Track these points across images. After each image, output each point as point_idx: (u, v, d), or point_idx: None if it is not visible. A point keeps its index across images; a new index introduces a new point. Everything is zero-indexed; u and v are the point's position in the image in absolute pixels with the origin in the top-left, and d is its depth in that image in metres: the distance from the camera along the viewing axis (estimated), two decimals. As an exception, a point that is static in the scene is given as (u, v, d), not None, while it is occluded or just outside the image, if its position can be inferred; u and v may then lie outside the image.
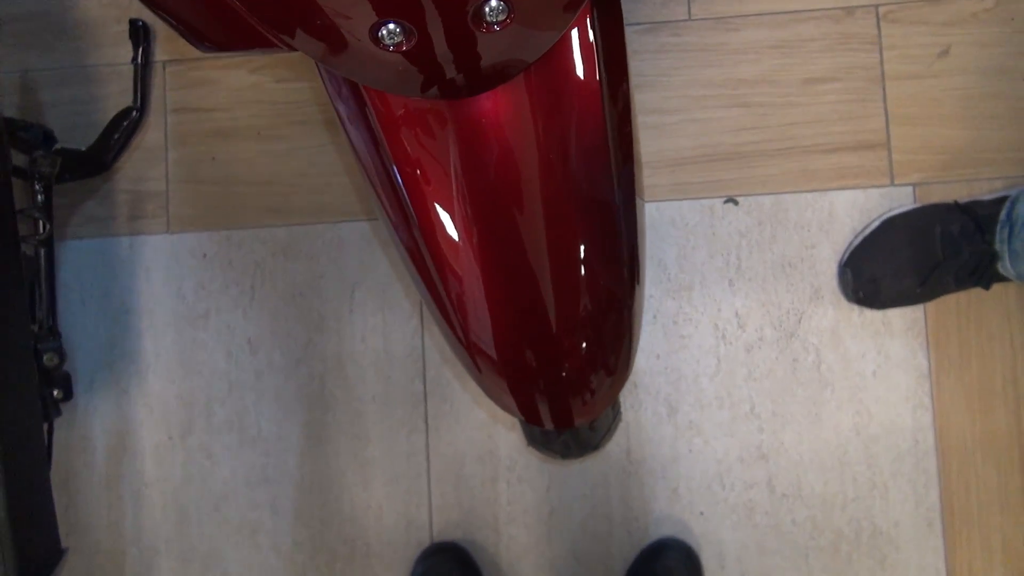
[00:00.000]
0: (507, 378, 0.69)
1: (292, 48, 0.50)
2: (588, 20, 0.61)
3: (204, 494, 1.10)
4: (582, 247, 0.64)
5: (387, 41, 0.46)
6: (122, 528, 1.10)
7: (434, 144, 0.62)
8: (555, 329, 0.66)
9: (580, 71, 0.61)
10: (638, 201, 0.68)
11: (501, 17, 0.45)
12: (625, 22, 1.09)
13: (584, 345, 0.67)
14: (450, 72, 0.52)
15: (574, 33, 0.61)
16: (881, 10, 1.08)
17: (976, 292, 1.03)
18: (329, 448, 1.09)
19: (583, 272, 0.64)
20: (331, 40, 0.49)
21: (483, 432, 1.08)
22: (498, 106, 0.60)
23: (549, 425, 0.70)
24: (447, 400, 1.08)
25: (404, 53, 0.47)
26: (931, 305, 1.04)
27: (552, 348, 0.67)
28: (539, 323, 0.66)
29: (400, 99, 0.61)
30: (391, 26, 0.44)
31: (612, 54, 0.64)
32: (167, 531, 1.10)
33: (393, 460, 1.08)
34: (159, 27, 1.14)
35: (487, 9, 0.44)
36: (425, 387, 1.09)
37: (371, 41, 0.46)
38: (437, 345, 1.09)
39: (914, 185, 1.06)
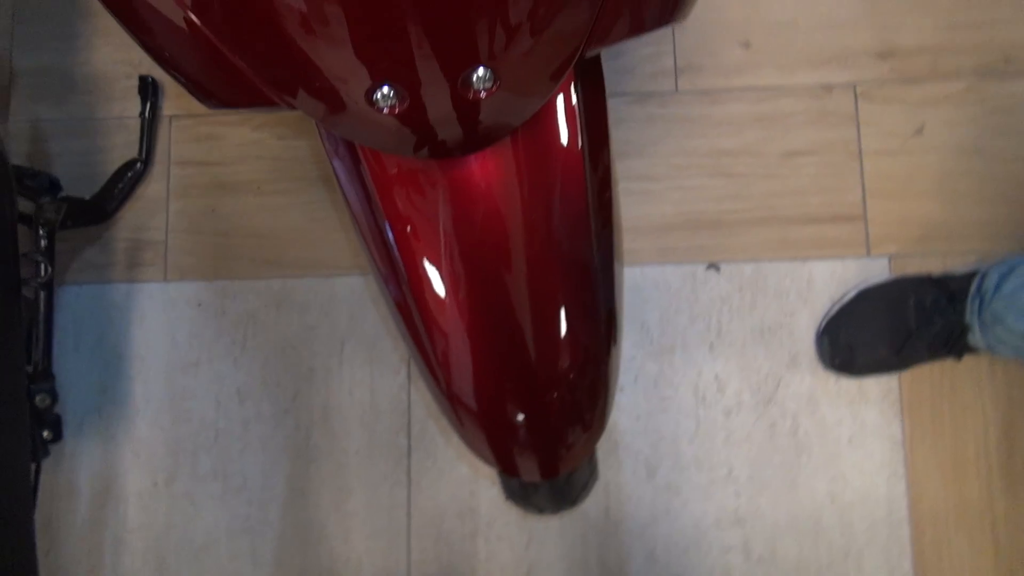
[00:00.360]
0: (486, 429, 0.71)
1: (293, 107, 0.54)
2: (572, 89, 0.65)
3: (185, 542, 1.10)
4: (562, 307, 0.67)
5: (381, 104, 0.49)
6: (101, 575, 1.11)
7: (424, 203, 0.65)
8: (534, 383, 0.69)
9: (563, 138, 0.64)
10: (616, 265, 0.71)
11: (488, 84, 0.48)
12: (614, 93, 1.15)
13: (562, 399, 0.69)
14: (441, 133, 0.55)
15: (559, 102, 0.65)
16: (858, 89, 1.12)
17: (950, 363, 1.05)
18: (312, 499, 1.10)
19: (563, 330, 0.67)
20: (330, 101, 0.52)
21: (465, 488, 1.09)
22: (486, 168, 0.63)
23: (527, 476, 0.72)
24: (430, 455, 1.10)
25: (397, 115, 0.50)
26: (906, 374, 1.07)
27: (531, 401, 0.69)
28: (519, 377, 0.68)
29: (393, 159, 0.65)
30: (385, 90, 0.48)
31: (594, 123, 0.67)
32: (146, 578, 1.10)
33: (374, 513, 1.09)
34: (168, 83, 1.19)
35: (475, 77, 0.48)
36: (409, 441, 1.10)
37: (367, 103, 0.49)
38: (423, 400, 1.11)
39: (890, 257, 1.09)
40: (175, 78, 0.57)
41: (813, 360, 1.08)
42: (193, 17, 0.49)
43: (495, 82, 0.49)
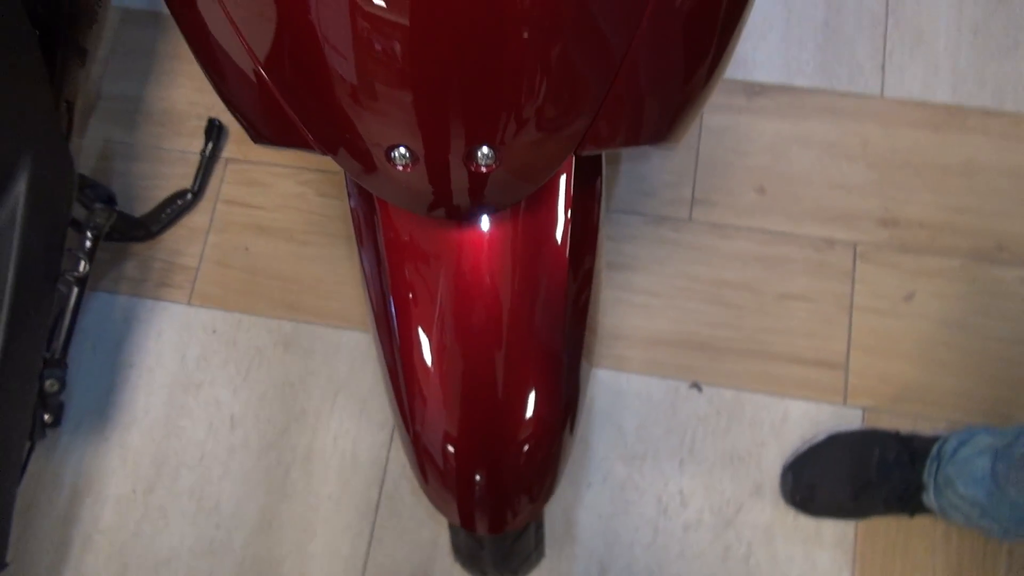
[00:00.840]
0: (446, 483, 0.78)
1: (325, 153, 0.63)
2: (566, 193, 0.74)
3: (149, 553, 1.15)
4: (529, 389, 0.75)
5: (398, 162, 0.58)
6: (61, 569, 1.15)
7: (426, 278, 0.74)
8: (494, 449, 0.76)
9: (551, 241, 0.74)
10: (584, 364, 0.79)
11: (490, 162, 0.57)
12: (633, 211, 1.24)
13: (515, 466, 0.77)
14: (445, 195, 0.64)
15: (558, 207, 0.74)
16: (858, 248, 1.20)
17: (906, 521, 1.09)
18: (276, 535, 1.14)
19: (526, 409, 0.76)
20: (359, 158, 0.61)
21: (422, 552, 1.13)
22: (482, 252, 0.73)
23: (478, 528, 0.78)
24: (396, 514, 1.14)
25: (411, 174, 0.59)
26: (863, 525, 1.10)
27: (489, 463, 0.76)
28: (481, 441, 0.76)
29: (407, 232, 0.74)
30: (401, 150, 0.57)
31: (582, 233, 0.77)
32: (104, 581, 1.14)
33: (333, 559, 1.13)
34: (232, 129, 1.30)
35: (479, 153, 0.57)
36: (380, 497, 1.15)
37: (386, 160, 0.59)
38: (400, 461, 1.16)
39: (864, 409, 1.14)
40: (235, 114, 0.67)
41: (776, 494, 1.12)
42: (262, 72, 0.59)
43: (496, 161, 0.57)
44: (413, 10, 0.50)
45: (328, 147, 0.63)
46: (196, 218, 1.28)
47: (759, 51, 1.31)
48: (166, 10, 1.38)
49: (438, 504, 0.79)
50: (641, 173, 1.25)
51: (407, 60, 0.52)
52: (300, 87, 0.59)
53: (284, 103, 0.61)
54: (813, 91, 1.29)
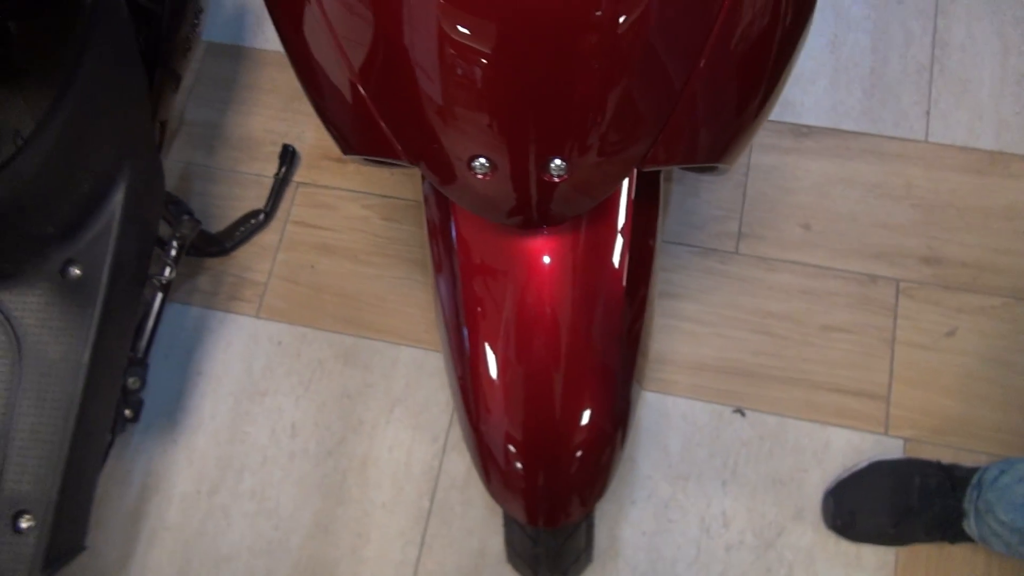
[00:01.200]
0: (513, 486, 0.84)
1: (411, 163, 0.70)
2: (626, 217, 0.80)
3: (211, 551, 1.20)
4: (587, 404, 0.81)
5: (478, 171, 0.65)
6: (129, 562, 1.21)
7: (495, 299, 0.81)
8: (552, 453, 0.82)
9: (611, 265, 0.80)
10: (635, 385, 0.85)
11: (561, 173, 0.64)
12: (683, 242, 1.29)
13: (570, 469, 0.82)
14: (520, 203, 0.70)
15: (615, 231, 0.80)
16: (901, 285, 1.24)
17: (948, 551, 1.11)
18: (331, 538, 1.19)
19: (582, 420, 0.81)
20: (441, 164, 0.68)
21: (472, 561, 1.17)
22: (546, 274, 0.79)
23: (539, 522, 0.83)
24: (447, 523, 1.19)
25: (489, 182, 0.66)
26: (904, 552, 1.12)
27: (548, 467, 0.82)
28: (542, 447, 0.82)
29: (478, 244, 0.81)
30: (481, 160, 0.64)
31: (640, 263, 0.83)
32: (167, 576, 1.20)
33: (383, 565, 1.17)
34: (304, 155, 1.39)
35: (553, 164, 0.63)
36: (431, 506, 1.19)
37: (467, 169, 0.65)
38: (452, 472, 1.21)
39: (905, 439, 1.17)
40: (328, 126, 0.74)
41: (817, 518, 1.15)
42: (360, 88, 0.66)
43: (567, 172, 0.64)
44: (497, 43, 0.57)
45: (414, 157, 0.69)
46: (267, 237, 1.36)
47: (808, 95, 1.37)
48: (246, 43, 1.49)
49: (500, 500, 0.84)
50: (691, 207, 1.31)
51: (491, 84, 0.59)
52: (394, 103, 0.66)
53: (377, 116, 0.68)
54: (859, 134, 1.34)
